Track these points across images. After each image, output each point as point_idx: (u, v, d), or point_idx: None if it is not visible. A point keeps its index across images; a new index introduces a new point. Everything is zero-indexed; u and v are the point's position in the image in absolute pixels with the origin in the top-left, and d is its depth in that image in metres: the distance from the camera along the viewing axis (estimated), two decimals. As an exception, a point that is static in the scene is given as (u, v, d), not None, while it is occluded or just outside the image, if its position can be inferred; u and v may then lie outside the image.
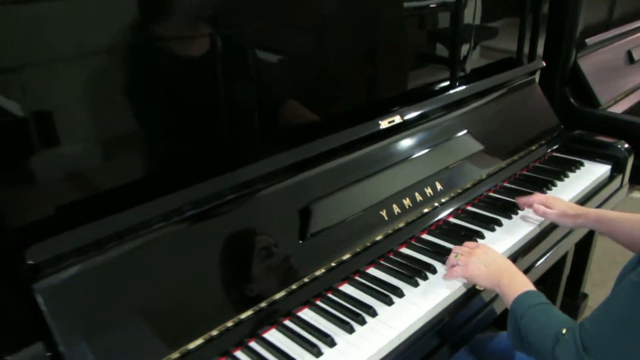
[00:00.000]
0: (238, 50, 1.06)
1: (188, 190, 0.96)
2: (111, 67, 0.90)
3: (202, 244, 0.99)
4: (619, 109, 2.05)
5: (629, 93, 2.19)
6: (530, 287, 1.00)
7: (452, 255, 1.14)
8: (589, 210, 1.28)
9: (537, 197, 1.35)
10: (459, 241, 1.23)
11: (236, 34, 1.04)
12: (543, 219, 1.34)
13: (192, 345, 0.92)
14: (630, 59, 2.27)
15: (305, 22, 1.18)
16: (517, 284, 1.01)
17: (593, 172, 1.63)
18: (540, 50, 1.86)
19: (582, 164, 1.66)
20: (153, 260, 0.92)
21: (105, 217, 0.86)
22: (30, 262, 0.78)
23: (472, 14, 1.58)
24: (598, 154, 1.69)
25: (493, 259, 1.10)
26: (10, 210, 0.80)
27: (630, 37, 2.32)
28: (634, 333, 0.79)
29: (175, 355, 0.91)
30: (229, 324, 0.97)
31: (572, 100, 1.97)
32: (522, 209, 1.38)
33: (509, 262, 1.10)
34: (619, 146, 1.67)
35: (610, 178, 1.65)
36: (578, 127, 1.85)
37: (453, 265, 1.12)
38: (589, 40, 1.98)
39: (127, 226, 0.88)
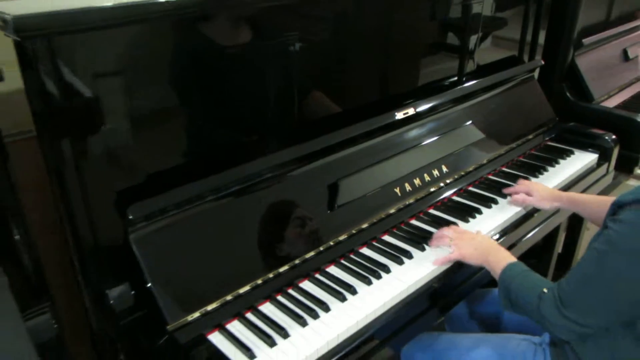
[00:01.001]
0: (282, 59, 1.29)
1: (245, 166, 1.20)
2: (195, 77, 1.14)
3: (253, 211, 1.23)
4: (612, 103, 2.26)
5: (622, 88, 2.39)
6: (513, 259, 1.20)
7: (446, 241, 1.33)
8: (564, 194, 1.50)
9: (520, 186, 1.55)
10: (460, 216, 1.46)
11: (284, 46, 1.27)
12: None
13: (242, 290, 1.16)
14: (625, 56, 2.47)
15: (344, 36, 1.41)
16: (502, 258, 1.21)
17: (582, 159, 1.84)
18: (540, 50, 2.07)
19: (572, 153, 1.88)
20: (216, 221, 1.16)
21: (183, 186, 1.10)
22: (130, 217, 1.03)
23: (480, 13, 1.79)
24: (587, 144, 1.91)
25: (479, 241, 1.30)
26: (116, 176, 1.04)
27: (626, 37, 2.52)
28: (597, 287, 1.00)
29: (229, 297, 1.14)
30: (270, 275, 1.21)
31: (568, 95, 2.18)
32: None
33: (493, 242, 1.31)
34: (606, 137, 1.89)
35: (598, 165, 1.87)
36: (573, 120, 2.06)
37: (438, 241, 1.34)
38: (586, 40, 2.18)
39: (198, 193, 1.12)
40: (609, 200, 1.21)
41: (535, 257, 2.14)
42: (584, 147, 1.91)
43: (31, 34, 0.85)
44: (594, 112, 2.12)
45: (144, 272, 1.04)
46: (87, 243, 1.05)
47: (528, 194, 1.51)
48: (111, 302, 1.05)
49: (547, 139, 1.96)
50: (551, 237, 2.06)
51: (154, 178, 1.11)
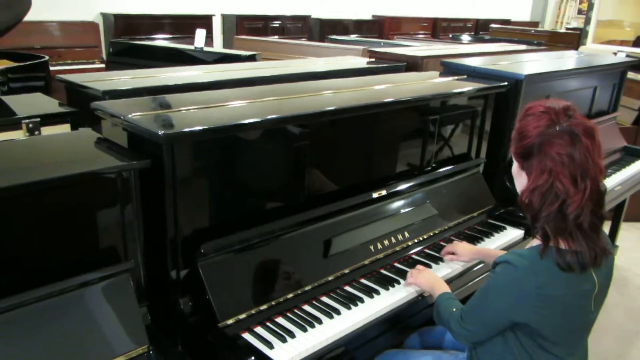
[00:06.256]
0: (297, 161, 1.93)
1: (268, 225, 1.81)
2: (250, 168, 1.77)
3: (273, 255, 1.82)
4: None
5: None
6: (447, 289, 1.80)
7: (409, 274, 1.95)
8: (481, 250, 2.12)
9: (449, 247, 2.16)
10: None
11: (303, 149, 1.92)
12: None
13: (262, 308, 1.73)
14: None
15: (339, 141, 2.06)
16: (440, 288, 1.81)
17: (511, 234, 2.47)
18: (484, 150, 2.75)
19: (505, 228, 2.50)
20: (249, 260, 1.75)
21: (234, 234, 1.71)
22: (202, 251, 1.62)
23: (438, 127, 2.47)
24: (517, 223, 2.54)
25: (430, 276, 1.91)
26: (191, 224, 1.64)
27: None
28: (480, 310, 1.57)
29: (253, 311, 1.70)
30: (281, 299, 1.78)
31: (508, 184, 2.83)
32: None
33: (438, 278, 1.91)
34: (531, 218, 2.52)
35: (524, 239, 2.49)
36: (512, 203, 2.69)
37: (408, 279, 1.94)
38: (522, 144, 2.86)
39: (241, 239, 1.72)
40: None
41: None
42: (515, 224, 2.54)
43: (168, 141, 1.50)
44: (526, 199, 2.77)
45: (205, 288, 1.62)
46: (170, 268, 1.64)
47: (454, 253, 2.12)
48: (182, 306, 1.62)
49: (487, 217, 2.59)
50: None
51: (212, 228, 1.72)
